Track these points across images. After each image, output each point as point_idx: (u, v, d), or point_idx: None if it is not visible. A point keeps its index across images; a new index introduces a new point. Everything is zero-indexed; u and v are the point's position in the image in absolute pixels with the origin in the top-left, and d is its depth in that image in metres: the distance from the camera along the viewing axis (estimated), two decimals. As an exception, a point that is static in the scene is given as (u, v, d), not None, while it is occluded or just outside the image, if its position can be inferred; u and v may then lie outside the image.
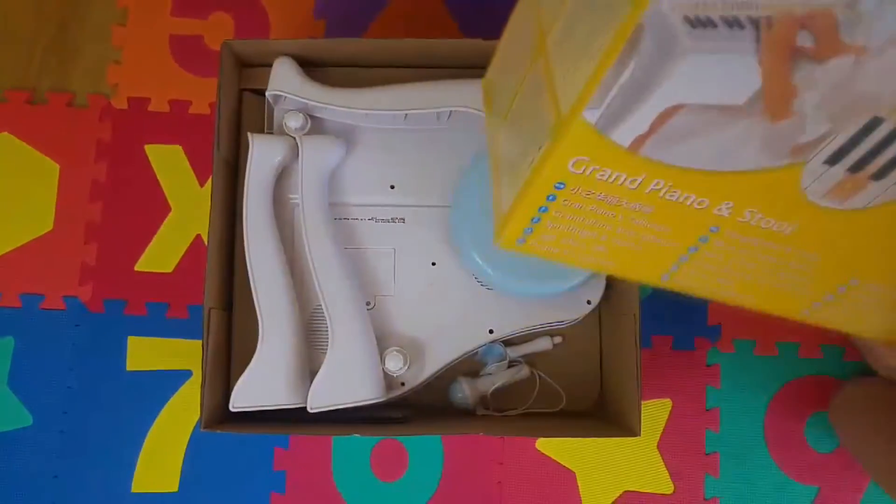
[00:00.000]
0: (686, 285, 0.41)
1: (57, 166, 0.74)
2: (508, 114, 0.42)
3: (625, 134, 0.32)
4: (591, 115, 0.31)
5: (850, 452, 0.67)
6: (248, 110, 0.67)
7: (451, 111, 0.62)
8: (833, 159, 0.33)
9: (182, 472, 0.70)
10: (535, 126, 0.36)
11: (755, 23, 0.28)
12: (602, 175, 0.34)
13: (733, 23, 0.28)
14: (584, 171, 0.34)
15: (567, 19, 0.35)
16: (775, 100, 0.30)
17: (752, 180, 0.34)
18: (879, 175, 0.34)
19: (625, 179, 0.34)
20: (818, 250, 0.38)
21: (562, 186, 0.35)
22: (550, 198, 0.36)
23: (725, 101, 0.31)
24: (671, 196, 0.35)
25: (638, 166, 0.34)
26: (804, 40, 0.28)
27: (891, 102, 0.30)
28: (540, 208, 0.37)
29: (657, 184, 0.35)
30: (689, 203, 0.36)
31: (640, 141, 0.32)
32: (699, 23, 0.28)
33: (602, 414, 0.67)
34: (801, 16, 0.28)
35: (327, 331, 0.59)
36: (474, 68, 0.65)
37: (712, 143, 0.32)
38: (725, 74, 0.29)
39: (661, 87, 0.30)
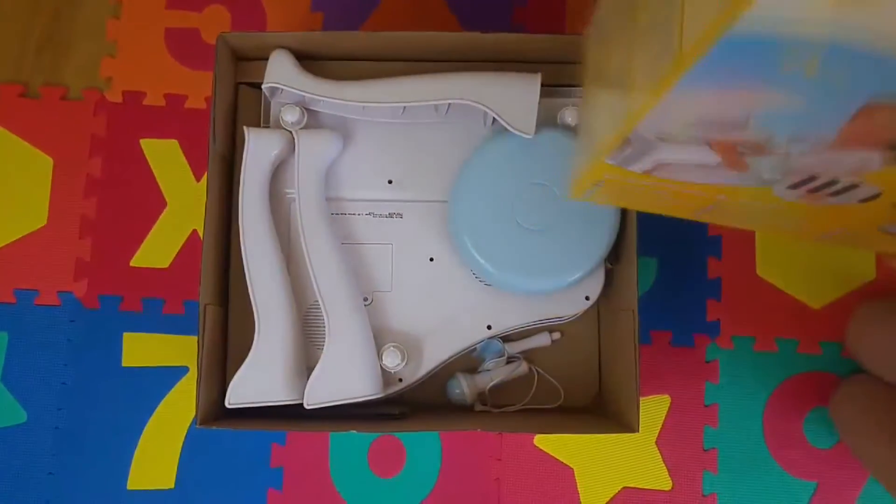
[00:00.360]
0: (714, 221, 0.53)
1: (51, 161, 0.74)
2: (592, 84, 0.51)
3: (636, 168, 0.44)
4: (610, 161, 0.44)
5: (851, 449, 0.67)
6: (244, 104, 0.66)
7: (449, 104, 0.62)
8: (793, 187, 0.42)
9: (178, 469, 0.70)
10: (593, 130, 0.47)
11: (703, 143, 0.38)
12: (627, 179, 0.46)
13: (689, 140, 0.38)
14: (613, 178, 0.46)
15: (612, 70, 0.45)
16: (733, 165, 0.41)
17: (736, 188, 0.44)
18: (835, 195, 0.42)
19: (644, 182, 0.45)
20: (803, 216, 0.48)
21: (601, 184, 0.49)
22: (595, 187, 0.50)
23: (698, 163, 0.41)
24: (681, 189, 0.46)
25: (650, 179, 0.45)
26: (741, 147, 0.38)
27: (820, 172, 0.40)
28: (588, 191, 0.51)
29: (668, 185, 0.45)
30: (695, 193, 0.46)
31: (647, 171, 0.44)
32: (667, 136, 0.38)
33: (600, 410, 0.67)
34: (735, 142, 0.37)
35: (324, 327, 0.59)
36: (473, 62, 0.65)
37: (700, 174, 0.43)
38: (692, 155, 0.40)
39: (650, 157, 0.42)
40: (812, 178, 0.41)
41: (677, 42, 0.32)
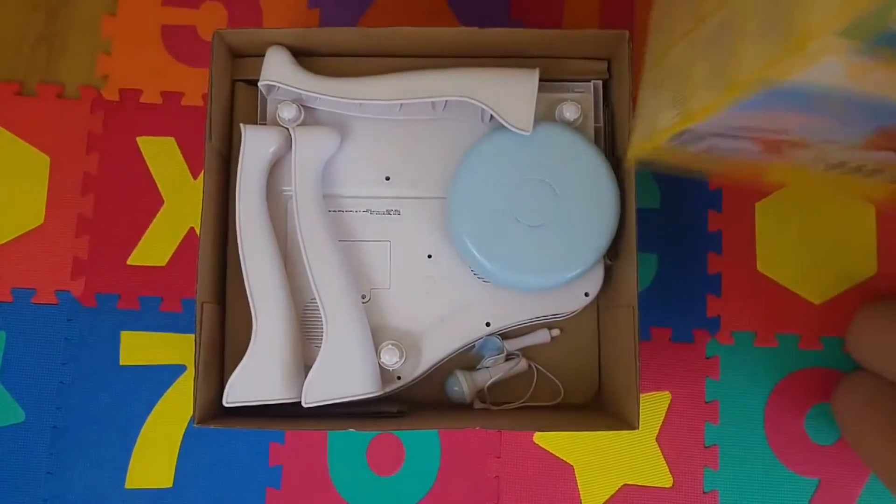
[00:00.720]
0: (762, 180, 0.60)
1: (48, 159, 0.73)
2: (659, 65, 0.56)
3: (689, 149, 0.51)
4: (669, 143, 0.50)
5: (851, 445, 0.67)
6: (240, 101, 0.66)
7: (446, 101, 0.61)
8: (828, 168, 0.51)
9: (177, 467, 0.69)
10: (652, 108, 0.53)
11: (748, 138, 0.46)
12: (683, 152, 0.52)
13: (736, 135, 0.46)
14: (672, 151, 0.52)
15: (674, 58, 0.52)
16: (773, 153, 0.48)
17: (779, 165, 0.52)
18: (865, 175, 0.52)
19: (697, 156, 0.52)
20: (842, 182, 0.54)
21: (658, 151, 0.53)
22: (652, 153, 0.54)
23: (744, 149, 0.49)
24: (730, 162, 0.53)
25: (702, 156, 0.52)
26: (780, 143, 0.46)
27: (849, 161, 0.49)
28: (647, 154, 0.55)
29: (720, 158, 0.52)
30: (745, 163, 0.53)
31: (699, 152, 0.51)
32: (718, 133, 0.46)
33: (600, 407, 0.66)
34: (776, 141, 0.46)
35: (322, 325, 0.58)
36: (471, 57, 0.64)
37: (745, 155, 0.50)
38: (737, 145, 0.48)
39: (701, 144, 0.49)
40: (843, 164, 0.50)
41: (733, 73, 0.39)
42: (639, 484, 0.69)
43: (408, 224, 0.64)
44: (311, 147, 0.61)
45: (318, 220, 0.60)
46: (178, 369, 0.70)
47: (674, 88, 0.49)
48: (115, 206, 0.73)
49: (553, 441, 0.70)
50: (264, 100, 0.64)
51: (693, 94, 0.45)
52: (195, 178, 0.73)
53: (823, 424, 0.70)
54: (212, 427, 0.57)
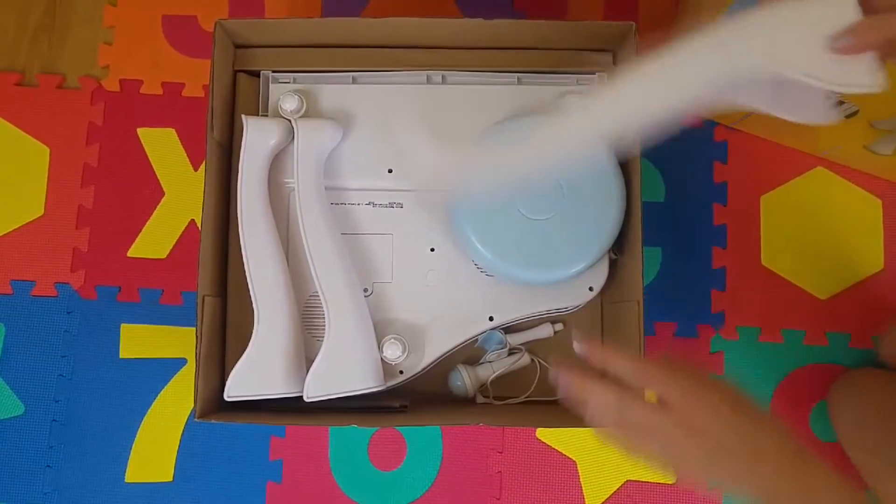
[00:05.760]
0: (747, 129, 0.71)
1: (48, 150, 0.73)
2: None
3: None
4: None
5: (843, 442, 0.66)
6: (242, 92, 0.65)
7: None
8: None
9: (177, 461, 0.69)
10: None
11: None
12: None
13: None
14: None
15: None
16: None
17: None
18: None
19: None
20: (811, 128, 0.61)
21: None
22: None
23: None
24: None
25: None
26: None
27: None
28: None
29: None
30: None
31: None
32: None
33: (604, 402, 0.66)
34: None
35: (324, 318, 0.58)
36: (474, 49, 0.64)
37: None
38: None
39: None
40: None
41: None
42: (642, 480, 0.69)
43: (410, 217, 0.63)
44: (313, 139, 0.60)
45: (320, 213, 0.59)
46: (178, 363, 0.70)
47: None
48: (116, 197, 0.72)
49: (556, 436, 0.69)
50: (266, 90, 0.64)
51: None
52: (196, 169, 0.73)
53: (828, 421, 0.69)
54: (213, 421, 0.56)
